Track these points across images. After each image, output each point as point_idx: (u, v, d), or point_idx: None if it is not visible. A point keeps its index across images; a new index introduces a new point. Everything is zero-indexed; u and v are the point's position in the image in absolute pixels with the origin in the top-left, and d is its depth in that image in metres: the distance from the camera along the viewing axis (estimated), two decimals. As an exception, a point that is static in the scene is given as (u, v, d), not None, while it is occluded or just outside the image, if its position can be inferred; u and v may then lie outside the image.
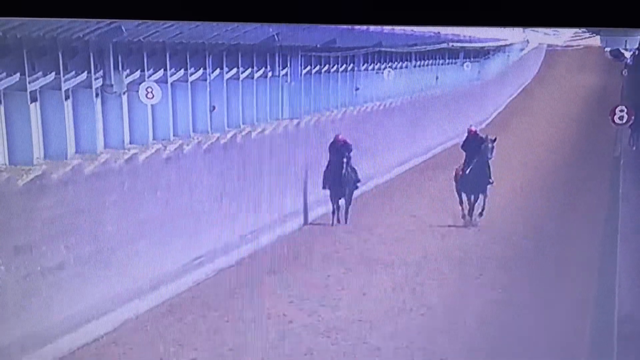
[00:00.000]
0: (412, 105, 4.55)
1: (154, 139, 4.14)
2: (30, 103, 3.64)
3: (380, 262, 4.69)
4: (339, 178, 4.81)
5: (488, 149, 4.95)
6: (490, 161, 4.89)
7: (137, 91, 3.90)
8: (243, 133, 4.42)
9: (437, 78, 4.62)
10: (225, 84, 4.22)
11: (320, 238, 4.63)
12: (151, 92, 3.89)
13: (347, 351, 4.47)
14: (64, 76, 3.71)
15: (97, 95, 3.88)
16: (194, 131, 4.24)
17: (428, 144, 4.65)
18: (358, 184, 4.82)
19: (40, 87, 3.73)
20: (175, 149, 4.25)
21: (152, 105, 4.00)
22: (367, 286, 4.67)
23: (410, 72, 4.58)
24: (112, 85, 3.83)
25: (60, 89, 3.69)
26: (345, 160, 4.74)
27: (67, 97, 3.77)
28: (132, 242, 4.09)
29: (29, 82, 3.64)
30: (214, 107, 4.28)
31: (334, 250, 4.62)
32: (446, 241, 4.61)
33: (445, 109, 4.66)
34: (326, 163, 4.73)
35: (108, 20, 3.49)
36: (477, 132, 4.84)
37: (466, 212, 4.82)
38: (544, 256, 4.67)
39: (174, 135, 4.20)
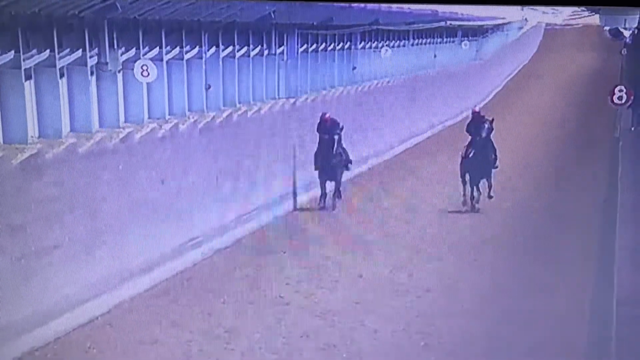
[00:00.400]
0: (410, 84, 4.52)
1: (149, 117, 4.10)
2: (25, 81, 3.59)
3: (377, 245, 4.67)
4: (329, 159, 4.69)
5: (486, 129, 4.85)
6: (494, 143, 4.90)
7: (133, 69, 3.86)
8: (239, 112, 4.38)
9: (435, 56, 4.58)
10: (221, 62, 4.18)
11: (316, 220, 4.61)
12: (146, 70, 3.85)
13: (343, 334, 4.46)
14: (58, 54, 3.66)
15: (92, 73, 3.84)
16: (189, 110, 4.20)
17: (426, 123, 4.61)
18: (349, 165, 4.75)
19: (35, 65, 3.68)
20: (171, 128, 4.22)
21: (147, 84, 3.97)
22: (364, 269, 4.65)
23: (408, 51, 4.54)
24: (107, 63, 3.79)
25: (55, 67, 3.64)
26: (335, 138, 4.63)
27: (62, 75, 3.73)
28: (127, 223, 4.06)
29: (24, 60, 3.58)
30: (209, 86, 4.24)
31: (331, 232, 4.60)
32: (444, 223, 4.60)
33: (444, 88, 4.63)
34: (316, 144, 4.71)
35: (103, -4, 3.44)
36: (481, 113, 4.82)
37: (468, 197, 4.78)
38: (542, 238, 4.66)
39: (169, 114, 4.16)
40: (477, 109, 4.83)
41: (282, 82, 4.42)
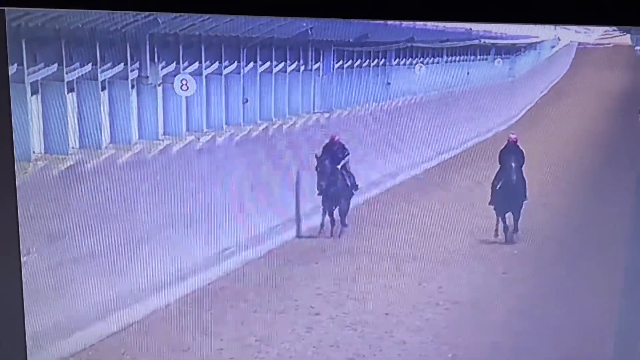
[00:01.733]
0: (443, 100, 4.54)
1: (187, 130, 4.17)
2: (67, 93, 3.67)
3: (407, 257, 4.70)
4: (332, 185, 4.55)
5: (520, 159, 4.63)
6: (524, 174, 4.63)
7: (172, 83, 3.92)
8: (275, 126, 4.43)
9: (468, 73, 4.61)
10: (258, 77, 4.23)
11: (347, 231, 4.65)
12: (186, 84, 3.92)
13: (372, 344, 4.49)
14: (100, 67, 3.73)
15: (132, 86, 3.90)
16: (226, 123, 4.26)
17: (458, 139, 4.63)
18: (354, 191, 4.60)
19: (77, 78, 3.74)
20: (208, 141, 4.28)
21: (186, 97, 4.03)
22: (394, 280, 4.69)
23: (442, 68, 4.56)
24: (147, 77, 3.85)
25: (96, 80, 3.71)
26: (341, 164, 4.51)
27: (103, 88, 3.79)
28: (162, 232, 4.12)
29: (66, 73, 3.66)
30: (246, 100, 4.30)
31: (362, 243, 4.64)
32: (474, 237, 4.61)
33: (476, 105, 4.66)
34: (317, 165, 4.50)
35: (145, 13, 3.52)
36: (517, 141, 4.56)
37: (500, 230, 4.67)
38: (572, 253, 4.67)
39: (207, 127, 4.22)
40: (514, 136, 4.60)
41: (317, 97, 4.47)
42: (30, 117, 3.46)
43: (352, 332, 4.39)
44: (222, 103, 4.27)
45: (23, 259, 3.72)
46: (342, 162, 4.52)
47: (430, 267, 4.51)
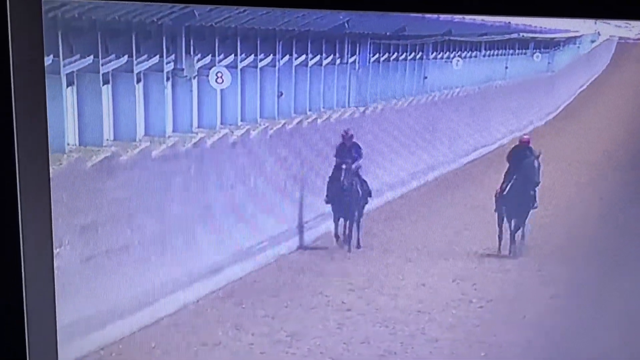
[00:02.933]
0: (480, 94, 4.47)
1: (221, 123, 4.14)
2: (102, 85, 3.65)
3: (441, 253, 4.65)
4: (343, 192, 4.34)
5: (533, 167, 4.45)
6: (537, 186, 4.43)
7: (207, 76, 3.89)
8: (309, 119, 4.39)
9: (506, 68, 4.53)
10: (293, 71, 4.19)
11: (380, 226, 4.60)
12: (221, 77, 3.88)
13: (404, 341, 4.45)
14: (136, 59, 3.71)
15: (167, 79, 3.88)
16: (261, 116, 4.22)
17: (496, 134, 4.56)
18: (369, 199, 4.40)
19: (113, 70, 3.72)
20: (242, 134, 4.25)
21: (221, 90, 3.99)
22: (427, 277, 4.64)
23: (480, 62, 4.49)
24: (183, 69, 3.82)
25: (132, 72, 3.69)
26: (354, 166, 4.33)
27: (138, 80, 3.77)
28: (195, 226, 4.10)
29: (102, 65, 3.64)
30: (281, 93, 4.25)
31: (395, 239, 4.59)
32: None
33: (514, 99, 4.58)
34: (331, 170, 4.35)
35: (182, 5, 3.48)
36: (530, 143, 4.42)
37: (505, 240, 4.49)
38: (608, 250, 4.59)
39: (241, 120, 4.18)
40: (526, 137, 4.44)
41: (352, 90, 4.42)
42: (65, 108, 3.45)
43: (384, 328, 4.35)
44: (256, 96, 4.23)
45: (55, 251, 3.71)
46: (355, 165, 4.33)
47: (465, 264, 4.45)
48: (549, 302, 4.43)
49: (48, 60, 3.36)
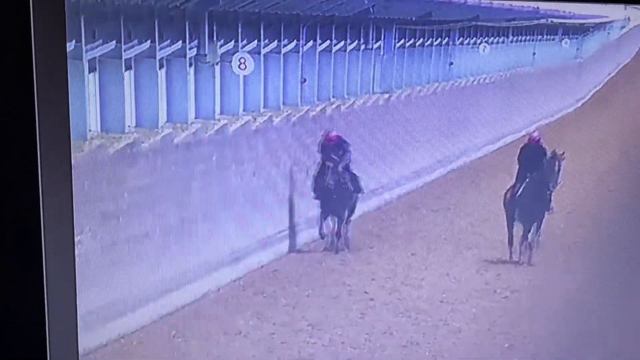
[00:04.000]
0: (507, 81, 4.39)
1: (244, 110, 4.09)
2: (125, 71, 3.61)
3: (466, 243, 4.59)
4: (330, 189, 4.20)
5: (552, 170, 4.24)
6: (552, 191, 4.21)
7: (230, 62, 3.83)
8: (333, 106, 4.33)
9: (534, 54, 4.45)
10: (317, 57, 4.12)
11: (404, 216, 4.54)
12: (244, 62, 3.83)
13: (427, 332, 4.40)
14: (159, 45, 3.67)
15: (190, 64, 3.83)
16: (283, 103, 4.17)
17: (523, 122, 4.47)
18: (359, 195, 4.26)
19: (135, 56, 3.68)
20: (265, 121, 4.20)
21: (244, 77, 3.94)
22: (451, 267, 4.58)
23: (507, 48, 4.41)
24: (206, 55, 3.77)
25: (155, 58, 3.64)
26: (338, 165, 4.19)
27: (161, 66, 3.72)
28: (216, 214, 4.06)
29: (124, 50, 3.60)
30: (304, 80, 4.19)
31: (419, 228, 4.53)
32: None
33: (542, 86, 4.49)
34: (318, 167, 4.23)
35: (205, -11, 3.42)
36: (540, 142, 4.23)
37: (517, 245, 4.30)
38: (632, 242, 4.52)
39: (264, 107, 4.13)
40: (536, 135, 4.22)
41: (377, 77, 4.35)
42: (87, 95, 3.40)
43: (407, 319, 4.30)
44: (279, 82, 4.17)
45: (76, 239, 3.68)
46: (343, 162, 4.20)
47: (489, 254, 4.39)
48: (575, 293, 4.37)
49: (70, 46, 3.32)
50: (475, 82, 4.44)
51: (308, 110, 4.31)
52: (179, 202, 3.93)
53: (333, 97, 4.38)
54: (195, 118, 3.96)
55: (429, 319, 4.31)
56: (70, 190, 3.43)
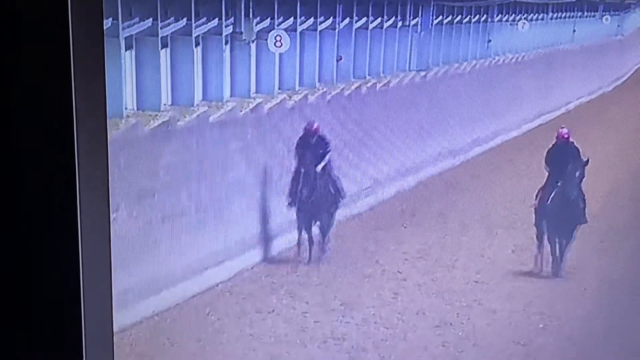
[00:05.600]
0: (546, 59, 4.32)
1: (279, 88, 4.05)
2: (161, 49, 3.59)
3: (501, 223, 4.53)
4: (311, 193, 3.85)
5: (578, 167, 3.87)
6: (582, 187, 3.84)
7: (266, 39, 3.80)
8: (368, 84, 4.28)
9: (574, 31, 4.37)
10: (353, 34, 4.08)
11: (439, 195, 4.50)
12: (280, 40, 3.79)
13: (460, 312, 4.37)
14: (195, 22, 3.64)
15: (226, 42, 3.81)
16: (319, 81, 4.13)
17: (561, 100, 4.40)
18: (340, 200, 3.95)
19: (172, 33, 3.68)
20: (300, 100, 4.16)
21: (279, 55, 3.91)
22: (486, 248, 4.53)
23: (546, 25, 4.34)
24: (241, 33, 3.74)
25: (191, 35, 3.62)
26: (322, 163, 3.88)
27: (197, 44, 3.70)
28: (252, 192, 4.05)
29: (161, 28, 3.58)
30: (340, 57, 4.14)
31: (454, 208, 4.48)
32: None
33: (582, 64, 4.41)
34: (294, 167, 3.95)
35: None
36: (570, 138, 3.85)
37: (545, 257, 4.02)
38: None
39: (299, 85, 4.10)
40: (565, 131, 3.83)
41: (414, 54, 4.29)
42: (123, 72, 3.39)
43: (440, 299, 4.26)
44: (315, 60, 4.13)
45: (112, 216, 3.65)
46: (324, 162, 3.92)
47: (525, 234, 4.34)
48: (611, 275, 4.31)
49: (107, 24, 3.30)
50: (514, 60, 4.37)
51: (343, 88, 4.27)
52: (214, 181, 3.92)
53: (369, 75, 4.34)
54: (231, 96, 3.95)
55: (463, 300, 4.27)
56: (106, 168, 3.39)
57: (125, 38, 3.53)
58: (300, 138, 3.85)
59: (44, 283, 2.70)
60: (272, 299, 4.26)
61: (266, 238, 4.19)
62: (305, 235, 3.98)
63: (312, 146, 3.82)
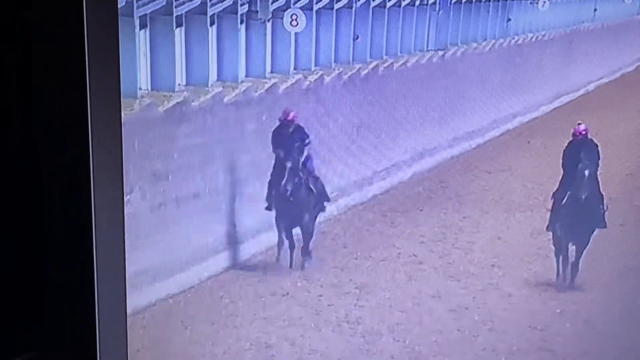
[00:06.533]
0: (567, 38, 4.25)
1: (295, 69, 4.00)
2: (176, 28, 3.54)
3: (519, 206, 4.48)
4: (290, 193, 3.59)
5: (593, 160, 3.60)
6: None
7: (282, 18, 3.74)
8: (385, 65, 4.22)
9: (595, 10, 4.29)
10: (371, 12, 4.01)
11: (457, 177, 4.45)
12: (296, 19, 3.73)
13: (476, 296, 4.33)
14: (210, 1, 3.59)
15: (241, 21, 3.75)
16: (335, 61, 4.07)
17: (582, 80, 4.34)
18: (325, 204, 3.69)
19: (186, 12, 3.62)
20: (316, 80, 4.11)
21: (295, 34, 3.85)
22: (503, 230, 4.49)
23: (567, 4, 4.27)
24: (257, 12, 3.68)
25: (206, 14, 3.57)
26: (301, 159, 3.58)
27: (212, 23, 3.65)
28: (266, 174, 4.01)
29: (176, 7, 3.53)
30: (357, 37, 4.08)
31: (471, 190, 4.44)
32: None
33: (603, 43, 4.33)
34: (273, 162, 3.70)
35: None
36: (588, 134, 3.59)
37: (561, 268, 3.83)
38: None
39: (315, 65, 4.04)
40: (583, 127, 3.56)
41: (432, 33, 4.22)
42: (138, 52, 3.34)
43: (456, 283, 4.22)
44: (332, 40, 4.07)
45: (126, 198, 3.61)
46: (303, 156, 3.64)
47: (544, 217, 4.29)
48: (631, 262, 4.26)
49: (121, 2, 3.25)
50: (534, 39, 4.30)
51: (360, 68, 4.21)
52: (229, 162, 3.88)
53: (386, 54, 4.28)
54: (246, 76, 3.89)
55: (479, 283, 4.23)
56: (120, 149, 3.34)
57: (140, 17, 3.47)
58: (276, 129, 3.61)
59: (58, 265, 2.66)
60: (287, 282, 4.24)
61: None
62: (284, 237, 3.73)
63: (288, 138, 3.57)
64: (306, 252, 3.78)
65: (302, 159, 3.64)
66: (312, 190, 3.67)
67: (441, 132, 4.29)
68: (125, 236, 3.59)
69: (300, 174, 3.65)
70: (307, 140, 3.56)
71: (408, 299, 4.23)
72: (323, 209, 3.75)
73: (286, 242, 3.80)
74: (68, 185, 2.78)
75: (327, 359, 3.92)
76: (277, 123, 3.66)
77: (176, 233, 3.91)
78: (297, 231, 3.85)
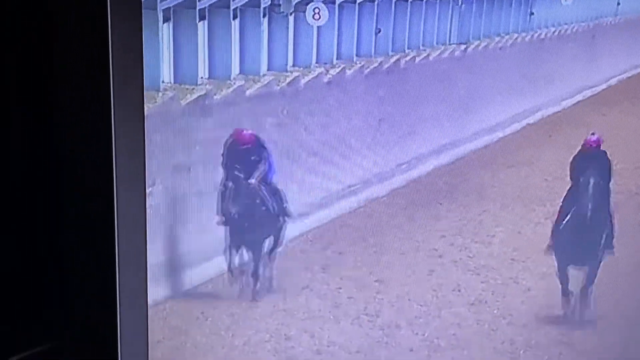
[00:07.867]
0: (590, 32, 4.23)
1: (316, 62, 4.00)
2: (199, 21, 3.55)
3: (540, 200, 4.47)
4: (248, 210, 3.30)
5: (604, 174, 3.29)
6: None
7: (304, 12, 3.74)
8: (407, 58, 4.22)
9: (618, 4, 4.27)
10: (393, 6, 4.01)
11: (477, 171, 4.44)
12: (318, 12, 3.73)
13: (495, 290, 4.33)
14: (233, -6, 3.61)
15: (264, 15, 3.76)
16: (357, 55, 4.07)
17: (604, 75, 4.31)
18: (286, 219, 3.43)
19: (209, 5, 3.62)
20: (337, 73, 4.11)
21: (317, 27, 3.85)
22: (524, 225, 4.48)
23: (591, -3, 4.26)
24: (280, 5, 3.69)
25: (228, 8, 3.57)
26: (256, 174, 3.31)
27: (234, 17, 3.65)
28: (287, 168, 4.02)
29: (199, 0, 3.55)
30: (379, 30, 4.08)
31: (491, 184, 4.43)
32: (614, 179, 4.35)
33: (625, 38, 4.31)
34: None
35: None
36: (601, 146, 3.31)
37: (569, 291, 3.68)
38: None
39: (337, 59, 4.04)
40: (595, 138, 3.28)
41: (454, 27, 4.21)
42: (161, 45, 3.35)
43: (475, 276, 4.22)
44: (353, 33, 4.07)
45: (148, 190, 3.62)
46: (258, 173, 3.39)
47: (564, 212, 4.29)
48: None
49: (145, -5, 3.27)
50: (556, 33, 4.28)
51: (382, 62, 4.20)
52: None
53: (408, 48, 4.27)
54: (268, 70, 3.90)
55: (499, 277, 4.23)
56: (143, 141, 3.36)
57: (163, 10, 3.47)
58: (229, 144, 3.40)
59: (79, 256, 2.68)
60: (307, 274, 4.24)
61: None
62: (236, 260, 3.46)
63: (242, 154, 3.31)
64: (254, 275, 3.49)
65: (256, 176, 3.43)
66: (270, 207, 3.48)
67: (462, 125, 4.28)
68: (147, 228, 3.61)
69: (254, 191, 3.40)
70: (262, 156, 3.28)
71: (427, 293, 4.23)
72: (282, 226, 3.47)
73: (236, 263, 3.44)
74: (91, 178, 2.80)
75: (346, 351, 3.93)
76: (230, 138, 3.42)
77: (197, 224, 3.93)
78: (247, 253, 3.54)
